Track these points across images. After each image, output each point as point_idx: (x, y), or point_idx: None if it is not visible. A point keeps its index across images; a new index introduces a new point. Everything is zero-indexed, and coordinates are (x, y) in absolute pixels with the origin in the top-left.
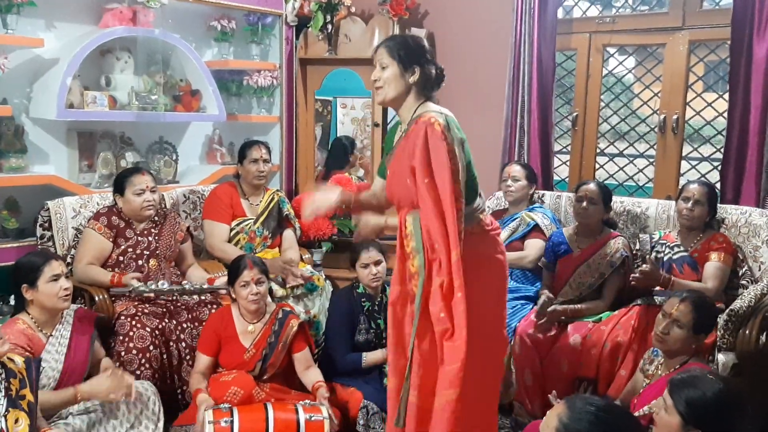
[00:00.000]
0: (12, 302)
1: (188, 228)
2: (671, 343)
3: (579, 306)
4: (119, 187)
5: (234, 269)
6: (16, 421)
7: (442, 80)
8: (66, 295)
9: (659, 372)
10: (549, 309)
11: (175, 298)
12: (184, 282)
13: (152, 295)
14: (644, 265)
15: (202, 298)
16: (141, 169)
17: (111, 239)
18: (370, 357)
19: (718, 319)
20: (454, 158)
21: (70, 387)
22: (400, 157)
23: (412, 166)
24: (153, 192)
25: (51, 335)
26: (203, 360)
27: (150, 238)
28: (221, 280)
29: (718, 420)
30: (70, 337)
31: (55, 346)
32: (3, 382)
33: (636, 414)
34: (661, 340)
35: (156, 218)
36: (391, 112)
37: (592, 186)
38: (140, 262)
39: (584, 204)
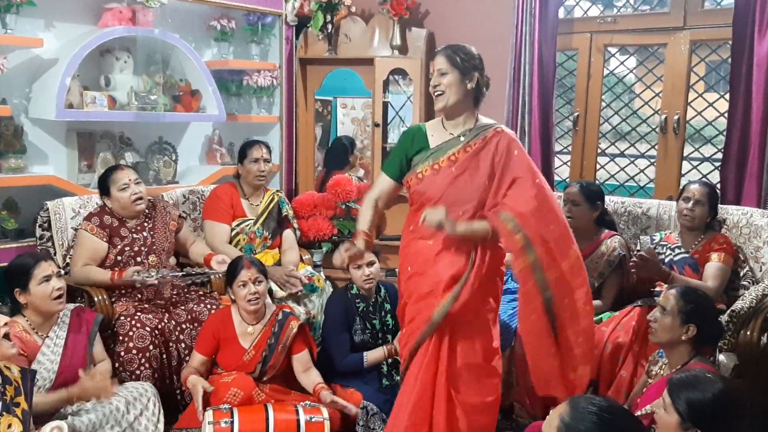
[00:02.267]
0: (10, 304)
1: (179, 214)
2: (659, 331)
3: None
4: (104, 188)
5: (231, 270)
6: (9, 426)
7: (486, 90)
8: (59, 296)
9: (662, 372)
10: None
11: (174, 298)
12: (185, 269)
13: (156, 281)
14: (641, 252)
15: (201, 297)
16: (119, 165)
17: (105, 239)
18: (371, 356)
19: (719, 320)
20: None
21: (63, 389)
22: (470, 161)
23: (510, 171)
24: (137, 184)
25: (47, 336)
26: (197, 358)
27: (145, 234)
28: (217, 258)
29: (716, 419)
30: (66, 337)
31: (51, 347)
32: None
33: (637, 414)
34: (651, 330)
35: (147, 211)
36: (391, 112)
37: (573, 188)
38: (139, 259)
39: (567, 207)
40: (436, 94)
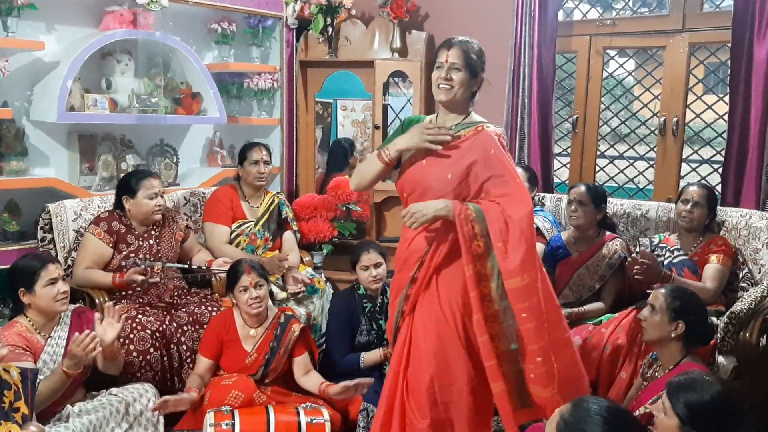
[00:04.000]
0: (11, 305)
1: (187, 225)
2: (650, 329)
3: (582, 309)
4: (129, 189)
5: (232, 275)
6: None
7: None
8: (63, 298)
9: (656, 375)
10: None
11: (175, 300)
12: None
13: (158, 279)
14: (640, 255)
15: (202, 299)
16: (153, 173)
17: (111, 245)
18: (368, 357)
19: (718, 322)
20: None
21: (57, 371)
22: (444, 154)
23: (490, 171)
24: (162, 196)
25: (49, 337)
26: (203, 363)
27: (151, 242)
28: (218, 262)
29: (716, 422)
30: (67, 338)
31: (53, 347)
32: None
33: (634, 414)
34: (642, 329)
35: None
36: (391, 114)
37: (580, 188)
38: (143, 266)
39: (573, 207)
40: (442, 85)
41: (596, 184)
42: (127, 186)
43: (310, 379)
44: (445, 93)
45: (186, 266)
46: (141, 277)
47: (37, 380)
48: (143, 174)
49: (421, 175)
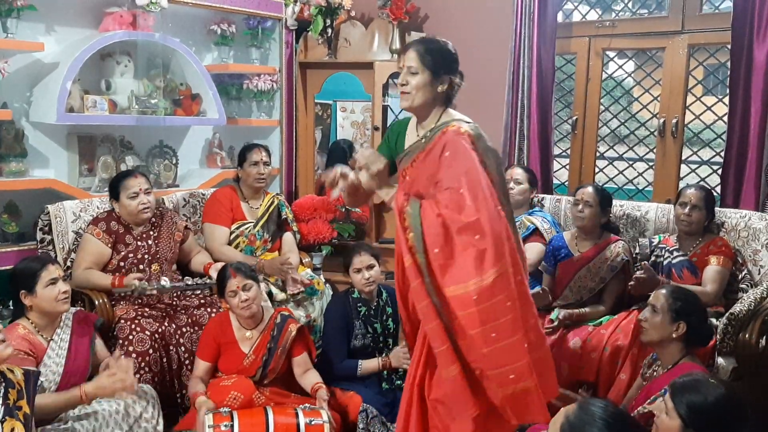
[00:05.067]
0: (12, 307)
1: (186, 225)
2: (650, 330)
3: (583, 310)
4: (114, 192)
5: (220, 281)
6: (12, 430)
7: (460, 86)
8: (65, 298)
9: (656, 375)
10: (561, 315)
11: (175, 302)
12: (186, 279)
13: (155, 292)
14: (639, 272)
15: (202, 301)
16: (133, 171)
17: (110, 245)
18: (365, 365)
19: (718, 323)
20: (486, 167)
21: (74, 387)
22: (422, 166)
23: (439, 176)
24: (147, 194)
25: (51, 339)
26: (202, 366)
27: (150, 242)
28: (216, 266)
29: (718, 424)
30: (69, 340)
31: (56, 350)
32: (2, 390)
33: (633, 413)
34: (642, 330)
35: (153, 220)
36: (390, 115)
37: (588, 189)
38: (141, 267)
39: (580, 207)
40: (401, 91)
41: (603, 186)
42: (112, 189)
43: (307, 378)
44: (404, 100)
45: (183, 284)
46: (140, 283)
47: (39, 382)
48: (124, 174)
49: (406, 192)
